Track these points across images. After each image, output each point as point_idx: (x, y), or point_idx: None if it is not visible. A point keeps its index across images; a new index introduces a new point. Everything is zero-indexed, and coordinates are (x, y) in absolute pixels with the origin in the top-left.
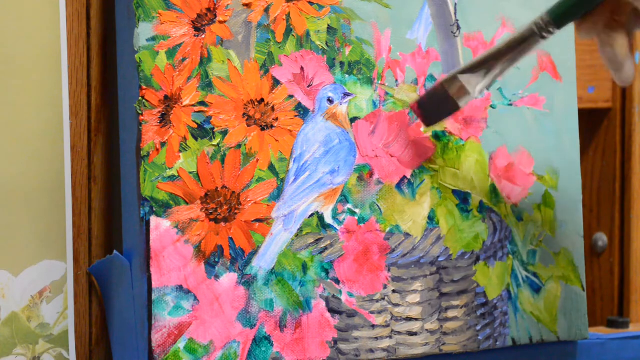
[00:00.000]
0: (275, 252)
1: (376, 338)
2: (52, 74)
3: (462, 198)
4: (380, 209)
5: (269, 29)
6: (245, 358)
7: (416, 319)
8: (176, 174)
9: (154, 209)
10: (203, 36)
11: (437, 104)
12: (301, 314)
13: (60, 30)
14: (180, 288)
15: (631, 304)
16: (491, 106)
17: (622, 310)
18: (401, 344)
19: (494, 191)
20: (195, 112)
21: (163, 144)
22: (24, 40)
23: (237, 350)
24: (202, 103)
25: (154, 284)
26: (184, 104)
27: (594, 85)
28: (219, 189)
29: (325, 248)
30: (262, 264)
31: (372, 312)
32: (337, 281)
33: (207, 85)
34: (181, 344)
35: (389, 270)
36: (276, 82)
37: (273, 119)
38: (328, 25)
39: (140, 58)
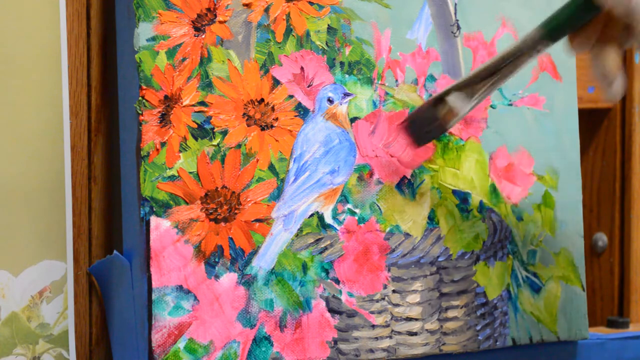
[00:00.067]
0: (275, 252)
1: (376, 338)
2: (52, 74)
3: (462, 198)
4: (380, 209)
5: (269, 29)
6: (245, 358)
7: (416, 319)
8: (176, 174)
9: (154, 209)
10: (203, 36)
11: (425, 125)
12: (301, 314)
13: (60, 30)
14: (180, 288)
15: (631, 304)
16: (491, 106)
17: (622, 310)
18: (401, 344)
19: (494, 191)
20: (195, 112)
21: (163, 144)
22: (24, 40)
23: (237, 350)
24: (202, 103)
25: (154, 284)
26: (184, 104)
27: (594, 85)
28: (219, 189)
29: (325, 248)
30: (262, 264)
31: (372, 312)
32: (337, 281)
33: (207, 85)
34: (181, 344)
35: (389, 270)
36: (276, 82)
37: (273, 119)
38: (328, 25)
39: (140, 58)
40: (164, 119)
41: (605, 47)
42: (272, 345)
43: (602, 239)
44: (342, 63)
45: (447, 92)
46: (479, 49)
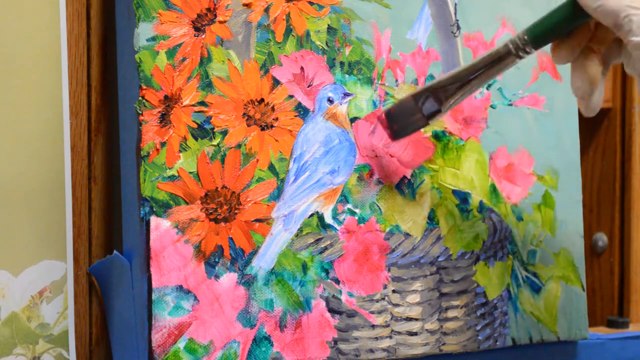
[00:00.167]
0: (275, 252)
1: (376, 338)
2: (52, 74)
3: (462, 198)
4: (380, 209)
5: (269, 29)
6: (245, 358)
7: (416, 319)
8: (176, 174)
9: (154, 209)
10: (203, 36)
11: (406, 118)
12: (301, 314)
13: (60, 30)
14: (180, 288)
15: (631, 304)
16: (491, 106)
17: (622, 310)
18: (401, 344)
19: (494, 191)
20: (195, 112)
21: (163, 144)
22: (24, 40)
23: (237, 350)
24: (202, 103)
25: (154, 284)
26: (184, 104)
27: None
28: (219, 189)
29: (325, 248)
30: (262, 264)
31: (372, 312)
32: (337, 281)
33: (207, 85)
34: (181, 344)
35: (389, 270)
36: (276, 82)
37: (273, 119)
38: (328, 25)
39: (140, 58)
40: (164, 119)
41: (587, 61)
42: (272, 345)
43: (602, 239)
44: (342, 63)
45: (432, 87)
46: (479, 49)
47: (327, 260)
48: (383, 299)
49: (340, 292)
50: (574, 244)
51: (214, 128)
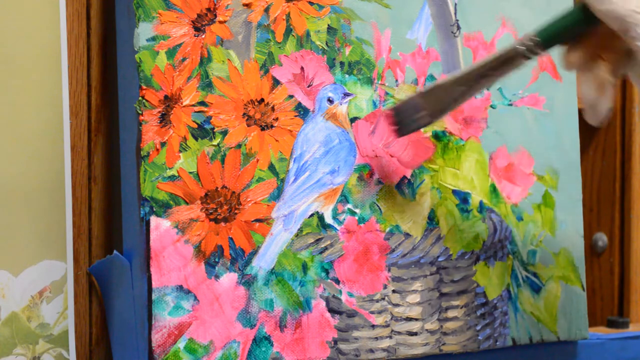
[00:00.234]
0: (275, 252)
1: (376, 338)
2: (52, 74)
3: (462, 198)
4: (380, 209)
5: (269, 29)
6: (245, 358)
7: (416, 319)
8: (176, 174)
9: (154, 209)
10: (203, 36)
11: (411, 115)
12: (301, 314)
13: (60, 30)
14: (180, 288)
15: (631, 304)
16: (491, 106)
17: (622, 310)
18: (401, 344)
19: (494, 191)
20: (195, 112)
21: (163, 144)
22: (24, 40)
23: (237, 350)
24: (202, 103)
25: (154, 284)
26: (184, 104)
27: None
28: (219, 189)
29: (325, 248)
30: (262, 264)
31: (372, 312)
32: (337, 281)
33: (207, 85)
34: (181, 344)
35: (389, 270)
36: (276, 82)
37: (273, 119)
38: (328, 25)
39: (140, 58)
40: (164, 119)
41: (596, 67)
42: (272, 345)
43: (602, 239)
44: (342, 63)
45: (440, 86)
46: (479, 49)
47: (327, 260)
48: (383, 299)
49: (340, 292)
50: (574, 244)
51: (214, 128)
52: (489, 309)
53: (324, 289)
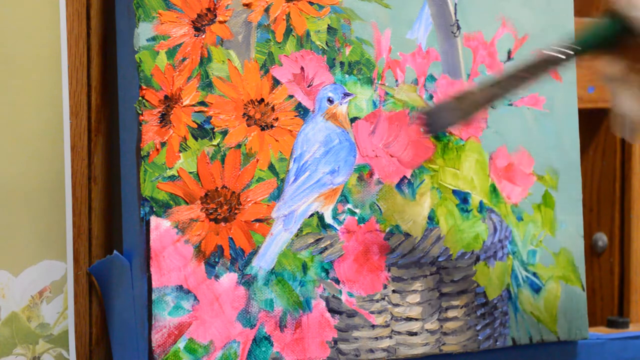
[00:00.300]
0: (275, 252)
1: (376, 338)
2: (52, 74)
3: (462, 198)
4: (380, 209)
5: (269, 29)
6: (245, 358)
7: (416, 319)
8: (176, 174)
9: (154, 209)
10: (203, 36)
11: (443, 114)
12: (301, 314)
13: (60, 30)
14: (180, 288)
15: (631, 304)
16: (491, 106)
17: (622, 310)
18: (401, 344)
19: (494, 191)
20: (195, 112)
21: (163, 144)
22: (24, 40)
23: (237, 350)
24: (202, 103)
25: (154, 284)
26: (184, 104)
27: (594, 85)
28: (219, 189)
29: (325, 248)
30: (262, 264)
31: (372, 312)
32: (337, 281)
33: (207, 85)
34: (181, 344)
35: (389, 270)
36: (276, 82)
37: (273, 119)
38: (328, 25)
39: (140, 58)
40: (164, 119)
41: (630, 80)
42: (272, 345)
43: (602, 239)
44: (342, 63)
45: (471, 90)
46: (479, 49)
47: (327, 260)
48: (383, 299)
49: (340, 292)
50: (574, 244)
51: (214, 128)
52: (489, 309)
53: (324, 289)
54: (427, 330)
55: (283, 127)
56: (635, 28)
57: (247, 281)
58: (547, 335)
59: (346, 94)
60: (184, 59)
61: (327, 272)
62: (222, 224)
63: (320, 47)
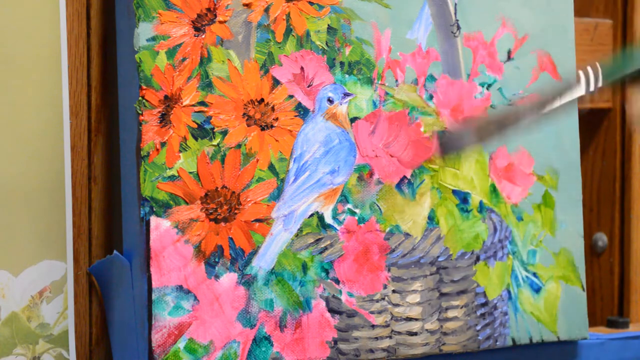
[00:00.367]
0: (275, 252)
1: (376, 338)
2: (52, 74)
3: (462, 198)
4: (380, 209)
5: (269, 29)
6: (245, 358)
7: (416, 319)
8: (176, 174)
9: (154, 209)
10: (203, 36)
11: (458, 136)
12: (301, 314)
13: (60, 30)
14: (180, 288)
15: (631, 304)
16: (491, 106)
17: (622, 310)
18: (401, 344)
19: (494, 191)
20: (195, 112)
21: (163, 144)
22: (24, 40)
23: (237, 350)
24: (202, 103)
25: (154, 284)
26: (184, 104)
27: None
28: (219, 189)
29: (325, 248)
30: (262, 264)
31: (372, 312)
32: (337, 281)
33: (207, 85)
34: (181, 344)
35: (389, 270)
36: (276, 82)
37: (273, 119)
38: (328, 25)
39: (140, 58)
40: (164, 119)
41: None
42: (272, 345)
43: (602, 239)
44: (342, 63)
45: (488, 117)
46: (479, 49)
47: (327, 260)
48: (383, 299)
49: (340, 292)
50: (574, 244)
51: (214, 128)
52: (489, 309)
53: (324, 289)
54: (427, 330)
55: (283, 127)
56: None
57: (247, 281)
58: (547, 335)
59: (346, 94)
60: (184, 59)
61: (327, 272)
62: (222, 224)
63: (320, 47)
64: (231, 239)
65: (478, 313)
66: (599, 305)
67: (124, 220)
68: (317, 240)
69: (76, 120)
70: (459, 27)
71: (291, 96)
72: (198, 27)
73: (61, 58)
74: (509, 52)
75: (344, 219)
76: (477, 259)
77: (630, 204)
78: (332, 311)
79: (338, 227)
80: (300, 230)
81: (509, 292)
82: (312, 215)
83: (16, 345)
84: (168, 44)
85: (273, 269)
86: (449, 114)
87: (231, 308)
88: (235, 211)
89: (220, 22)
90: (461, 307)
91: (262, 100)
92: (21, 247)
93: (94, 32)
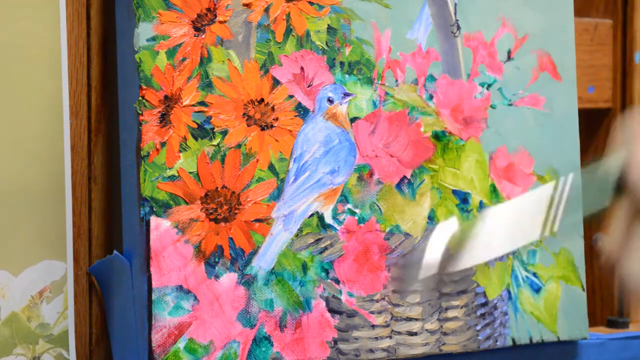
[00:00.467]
0: (275, 252)
1: (376, 338)
2: (52, 74)
3: (462, 198)
4: (380, 209)
5: (269, 29)
6: (245, 358)
7: (416, 319)
8: (176, 174)
9: (154, 209)
10: (203, 36)
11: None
12: (301, 314)
13: (60, 30)
14: (180, 288)
15: (631, 304)
16: (491, 106)
17: (622, 310)
18: (401, 344)
19: (494, 191)
20: (195, 112)
21: (163, 144)
22: (24, 40)
23: (237, 350)
24: (202, 103)
25: (154, 284)
26: (184, 104)
27: (594, 85)
28: (219, 189)
29: (325, 248)
30: (262, 264)
31: (372, 312)
32: (337, 281)
33: (207, 85)
34: (181, 344)
35: (389, 270)
36: (276, 82)
37: (273, 119)
38: (328, 25)
39: (140, 58)
40: (164, 119)
41: (631, 243)
42: (272, 345)
43: (602, 239)
44: (342, 63)
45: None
46: (479, 49)
47: (327, 260)
48: (383, 299)
49: (340, 292)
50: (574, 244)
51: (214, 128)
52: (489, 309)
53: (324, 289)
54: (427, 330)
55: (283, 127)
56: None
57: (247, 281)
58: (547, 335)
59: (346, 94)
60: (184, 59)
61: (327, 272)
62: (222, 224)
63: (320, 47)
64: (231, 239)
65: (478, 313)
66: (599, 305)
67: (124, 220)
68: (317, 240)
69: (76, 120)
70: (459, 27)
71: (291, 96)
72: (198, 27)
73: (61, 58)
74: (509, 52)
75: (344, 219)
76: None
77: None
78: (332, 311)
79: (338, 227)
80: (300, 230)
81: (509, 292)
82: (312, 215)
83: (16, 345)
84: (168, 44)
85: (273, 269)
86: (449, 114)
87: (231, 308)
88: (235, 211)
89: (220, 22)
90: (461, 307)
91: (262, 100)
92: (21, 247)
93: (94, 32)
